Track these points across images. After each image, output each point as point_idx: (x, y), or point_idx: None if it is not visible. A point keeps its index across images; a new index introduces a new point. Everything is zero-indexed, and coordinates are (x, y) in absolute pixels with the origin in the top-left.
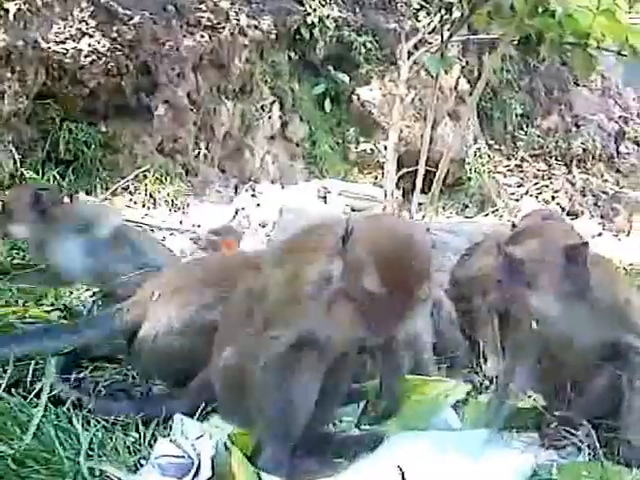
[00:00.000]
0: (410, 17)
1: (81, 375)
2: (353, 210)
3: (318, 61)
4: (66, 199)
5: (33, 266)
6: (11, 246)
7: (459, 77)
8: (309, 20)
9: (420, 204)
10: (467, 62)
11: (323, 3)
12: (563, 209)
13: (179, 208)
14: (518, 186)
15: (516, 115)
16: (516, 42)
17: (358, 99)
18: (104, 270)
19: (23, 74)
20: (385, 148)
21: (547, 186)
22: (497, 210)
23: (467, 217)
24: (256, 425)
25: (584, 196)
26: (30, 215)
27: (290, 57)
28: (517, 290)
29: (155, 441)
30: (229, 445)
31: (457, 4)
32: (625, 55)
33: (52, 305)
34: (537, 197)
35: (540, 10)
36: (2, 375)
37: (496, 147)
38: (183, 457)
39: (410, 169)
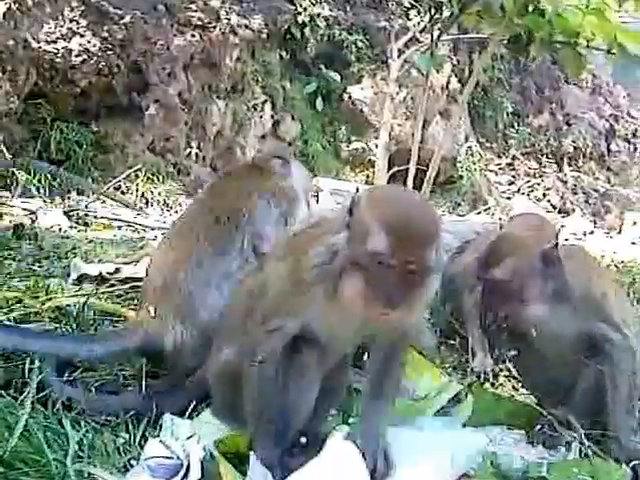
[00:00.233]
0: (400, 16)
1: (75, 374)
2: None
3: (309, 60)
4: None
5: None
6: None
7: (450, 76)
8: (300, 19)
9: None
10: (458, 61)
11: (314, 2)
12: (554, 207)
13: (171, 207)
14: (510, 184)
15: (507, 113)
16: (506, 41)
17: (349, 98)
18: None
19: (14, 74)
20: (377, 146)
21: (538, 184)
22: (489, 208)
23: (460, 215)
24: (248, 425)
25: (575, 194)
26: None
27: (281, 56)
28: (508, 308)
29: (145, 441)
30: (215, 453)
31: (447, 3)
32: (614, 54)
33: (43, 304)
34: (528, 195)
35: (530, 9)
36: None
37: (487, 145)
38: (172, 458)
39: (401, 167)
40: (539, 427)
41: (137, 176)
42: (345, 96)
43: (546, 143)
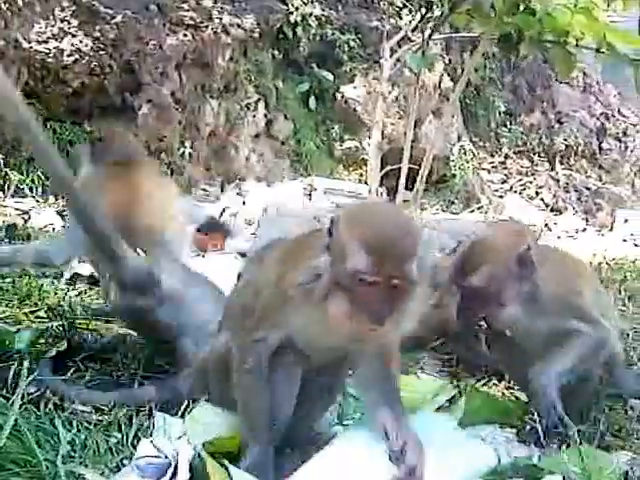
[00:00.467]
0: (392, 15)
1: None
2: (338, 207)
3: (302, 59)
4: None
5: None
6: None
7: (442, 75)
8: (292, 19)
9: (405, 201)
10: (450, 60)
11: (305, 2)
12: (547, 205)
13: None
14: (502, 182)
15: (499, 112)
16: (496, 40)
17: (342, 97)
18: None
19: (5, 74)
20: (370, 145)
21: (531, 182)
22: (482, 207)
23: (453, 213)
24: (240, 424)
25: (567, 192)
26: None
27: (274, 55)
28: (486, 311)
29: (138, 441)
30: (202, 454)
31: (437, 2)
32: (603, 52)
33: (36, 305)
34: (521, 193)
35: (520, 8)
36: None
37: (480, 144)
38: (161, 458)
39: (394, 166)
40: (530, 427)
41: None
42: (338, 95)
43: (538, 142)
